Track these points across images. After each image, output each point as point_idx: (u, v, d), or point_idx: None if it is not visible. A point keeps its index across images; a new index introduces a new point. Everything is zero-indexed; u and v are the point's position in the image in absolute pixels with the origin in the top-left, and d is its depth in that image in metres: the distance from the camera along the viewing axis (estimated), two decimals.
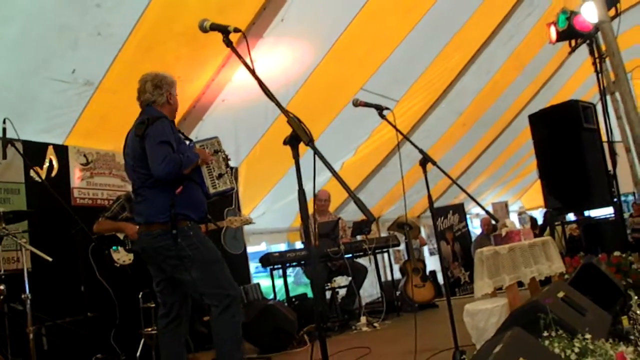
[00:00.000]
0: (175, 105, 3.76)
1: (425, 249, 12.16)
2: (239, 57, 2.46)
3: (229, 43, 2.55)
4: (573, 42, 6.54)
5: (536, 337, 2.39)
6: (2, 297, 4.12)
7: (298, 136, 2.25)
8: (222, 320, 3.45)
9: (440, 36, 8.34)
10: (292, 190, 8.44)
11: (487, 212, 4.05)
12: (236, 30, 2.53)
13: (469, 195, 4.07)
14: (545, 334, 2.51)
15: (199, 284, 3.46)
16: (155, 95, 3.64)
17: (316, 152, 2.20)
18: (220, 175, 3.68)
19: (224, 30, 2.56)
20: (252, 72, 2.39)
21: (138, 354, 5.14)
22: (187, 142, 3.74)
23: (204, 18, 2.60)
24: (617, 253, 5.10)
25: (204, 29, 2.59)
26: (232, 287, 3.56)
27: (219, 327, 3.46)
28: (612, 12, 6.09)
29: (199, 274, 3.45)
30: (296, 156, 2.31)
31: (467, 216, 12.53)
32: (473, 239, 11.87)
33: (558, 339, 2.40)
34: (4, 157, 4.44)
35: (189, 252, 3.43)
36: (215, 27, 2.58)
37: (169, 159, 3.33)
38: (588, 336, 2.39)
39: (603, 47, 6.12)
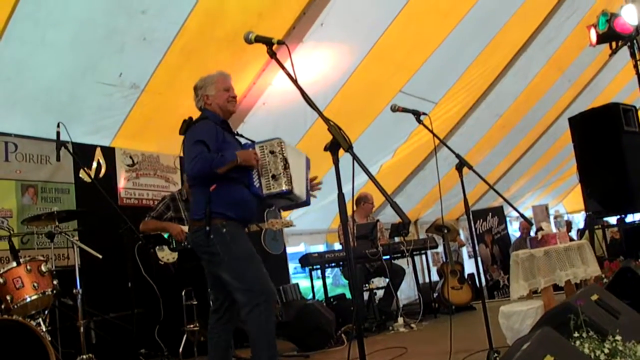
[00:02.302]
0: (216, 102, 3.69)
1: (465, 252, 12.08)
2: (282, 68, 2.59)
3: (272, 54, 2.68)
4: (614, 45, 6.50)
5: (567, 338, 2.43)
6: (54, 291, 4.31)
7: (338, 143, 2.35)
8: (251, 319, 3.37)
9: (479, 39, 8.33)
10: (330, 192, 8.50)
11: (521, 215, 4.06)
12: (279, 42, 2.67)
13: (503, 198, 4.11)
14: (576, 334, 2.55)
15: (229, 281, 3.44)
16: (195, 102, 3.76)
17: (355, 158, 2.30)
18: (274, 177, 3.52)
19: (268, 42, 2.70)
20: (295, 81, 2.51)
21: (181, 349, 5.29)
22: (248, 142, 3.66)
23: (248, 30, 2.72)
24: None
25: (249, 41, 2.73)
26: (262, 286, 3.43)
27: (249, 326, 3.40)
28: None
29: (228, 271, 3.43)
30: (336, 162, 2.41)
31: (507, 219, 12.37)
32: (512, 241, 11.75)
33: (589, 340, 2.45)
34: (58, 159, 4.66)
35: (218, 249, 3.42)
36: (259, 39, 2.72)
37: (199, 158, 3.36)
38: (618, 338, 2.44)
39: None
